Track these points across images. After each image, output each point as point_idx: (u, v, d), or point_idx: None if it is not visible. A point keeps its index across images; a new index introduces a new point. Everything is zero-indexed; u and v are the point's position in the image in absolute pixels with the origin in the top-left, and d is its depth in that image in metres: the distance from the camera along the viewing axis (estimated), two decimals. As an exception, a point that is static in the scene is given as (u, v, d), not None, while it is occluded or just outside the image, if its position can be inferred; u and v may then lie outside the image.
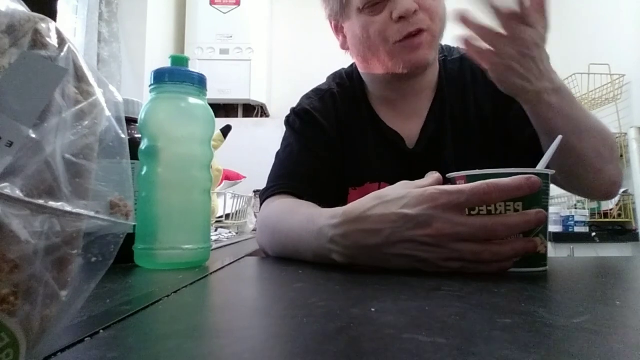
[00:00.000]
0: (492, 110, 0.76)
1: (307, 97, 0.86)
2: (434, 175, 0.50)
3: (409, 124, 0.79)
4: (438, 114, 0.78)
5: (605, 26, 2.53)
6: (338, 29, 0.80)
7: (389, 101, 0.81)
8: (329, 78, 0.89)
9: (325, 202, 0.60)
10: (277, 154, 0.82)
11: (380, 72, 0.75)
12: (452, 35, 0.59)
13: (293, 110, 0.85)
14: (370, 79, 0.81)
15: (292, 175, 0.76)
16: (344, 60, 0.87)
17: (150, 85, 0.53)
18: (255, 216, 1.61)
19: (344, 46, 0.80)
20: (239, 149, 1.93)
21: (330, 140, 0.79)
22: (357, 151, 0.79)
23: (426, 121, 0.78)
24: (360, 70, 0.82)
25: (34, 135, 0.16)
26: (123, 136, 0.22)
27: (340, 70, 0.89)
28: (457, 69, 0.81)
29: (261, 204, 0.76)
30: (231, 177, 1.50)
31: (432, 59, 0.72)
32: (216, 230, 1.27)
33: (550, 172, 0.47)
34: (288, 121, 0.84)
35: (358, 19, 0.72)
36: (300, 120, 0.82)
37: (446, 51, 0.84)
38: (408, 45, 0.69)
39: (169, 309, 0.31)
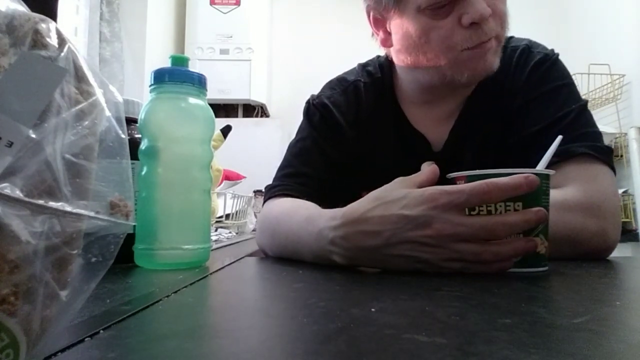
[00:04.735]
0: (519, 106, 0.69)
1: (330, 87, 0.80)
2: (430, 167, 0.49)
3: (437, 126, 0.74)
4: (470, 116, 0.72)
5: (605, 26, 2.53)
6: (379, 23, 0.71)
7: (421, 102, 0.75)
8: (359, 65, 0.82)
9: (333, 204, 0.56)
10: (290, 145, 0.79)
11: (429, 78, 0.68)
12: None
13: (312, 100, 0.79)
14: (410, 79, 0.74)
15: (299, 175, 0.73)
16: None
17: (150, 85, 0.53)
18: (255, 216, 1.61)
19: (386, 43, 0.72)
20: (239, 149, 1.93)
21: (346, 141, 0.75)
22: (375, 153, 0.75)
23: (456, 123, 0.73)
24: (403, 69, 0.73)
25: (34, 135, 0.16)
26: (123, 136, 0.22)
27: (374, 59, 0.82)
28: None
29: (265, 201, 0.74)
30: (231, 177, 1.50)
31: (497, 67, 0.66)
32: (216, 230, 1.27)
33: (551, 172, 0.47)
34: (307, 111, 0.79)
35: (417, 19, 0.63)
36: (319, 114, 0.77)
37: None
38: (477, 53, 0.62)
39: (169, 309, 0.31)
